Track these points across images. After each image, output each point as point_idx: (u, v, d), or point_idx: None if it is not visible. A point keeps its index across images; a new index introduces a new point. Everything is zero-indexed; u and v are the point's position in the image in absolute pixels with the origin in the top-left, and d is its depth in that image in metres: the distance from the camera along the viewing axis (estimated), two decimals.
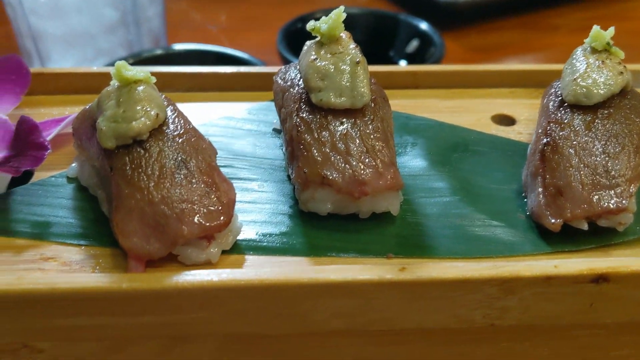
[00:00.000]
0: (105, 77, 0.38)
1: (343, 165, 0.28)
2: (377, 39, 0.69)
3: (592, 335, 0.28)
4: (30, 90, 0.39)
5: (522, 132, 0.37)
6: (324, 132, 0.29)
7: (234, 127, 0.37)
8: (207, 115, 0.38)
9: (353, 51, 0.30)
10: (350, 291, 0.26)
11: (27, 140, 0.30)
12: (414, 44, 0.67)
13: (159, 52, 0.58)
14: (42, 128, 0.35)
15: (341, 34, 0.31)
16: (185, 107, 0.37)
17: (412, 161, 0.34)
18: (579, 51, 0.32)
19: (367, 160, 0.28)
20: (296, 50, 0.60)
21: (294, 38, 0.64)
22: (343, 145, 0.28)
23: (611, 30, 0.32)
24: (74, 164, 0.32)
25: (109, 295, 0.25)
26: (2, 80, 0.36)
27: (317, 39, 0.31)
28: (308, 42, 0.32)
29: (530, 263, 0.26)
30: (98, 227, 0.29)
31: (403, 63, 0.67)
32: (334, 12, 0.30)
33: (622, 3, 0.93)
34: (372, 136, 0.29)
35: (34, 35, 0.59)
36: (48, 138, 0.34)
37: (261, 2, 0.91)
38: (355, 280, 0.25)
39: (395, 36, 0.68)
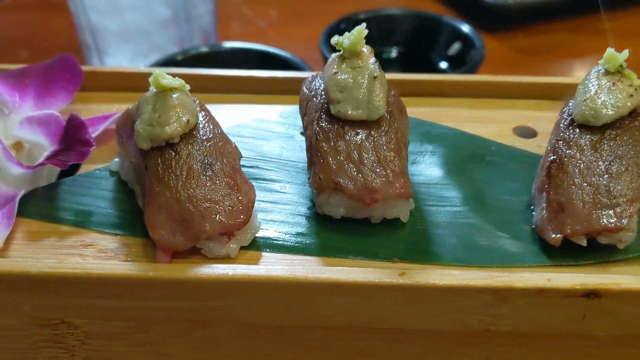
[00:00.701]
0: (149, 76, 0.42)
1: (355, 173, 0.30)
2: (419, 40, 0.70)
3: (585, 346, 0.29)
4: (83, 86, 0.42)
5: (542, 145, 0.38)
6: (340, 142, 0.31)
7: (265, 129, 0.39)
8: (241, 117, 0.41)
9: (372, 66, 0.32)
10: (352, 291, 0.28)
11: (74, 136, 0.33)
12: (455, 47, 0.68)
13: (204, 49, 0.61)
14: (90, 124, 0.38)
15: (363, 49, 0.33)
16: (221, 108, 0.40)
17: (429, 170, 0.36)
18: (593, 72, 0.33)
19: (378, 169, 0.30)
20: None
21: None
22: (357, 155, 0.30)
23: (625, 53, 0.32)
24: (116, 159, 0.36)
25: (137, 282, 0.28)
26: (58, 78, 0.40)
27: (341, 52, 0.33)
28: (333, 55, 0.34)
29: (525, 275, 0.28)
30: (133, 218, 0.32)
31: (444, 65, 0.68)
32: (357, 28, 0.32)
33: None
34: (385, 147, 0.31)
35: (92, 30, 0.63)
36: (95, 134, 0.37)
37: None
38: (356, 282, 0.27)
39: (437, 38, 0.69)
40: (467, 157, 0.37)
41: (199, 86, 0.42)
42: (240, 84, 0.43)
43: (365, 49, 0.33)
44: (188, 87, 0.32)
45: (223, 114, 0.41)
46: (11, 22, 0.88)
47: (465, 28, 0.67)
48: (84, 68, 0.42)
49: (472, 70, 0.61)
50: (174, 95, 0.31)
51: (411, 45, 0.70)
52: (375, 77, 0.31)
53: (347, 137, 0.31)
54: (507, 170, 0.36)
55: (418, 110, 0.41)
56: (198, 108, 0.33)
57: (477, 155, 0.37)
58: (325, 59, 0.61)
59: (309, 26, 0.85)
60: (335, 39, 0.33)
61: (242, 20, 0.89)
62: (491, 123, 0.40)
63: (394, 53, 0.70)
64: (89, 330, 0.30)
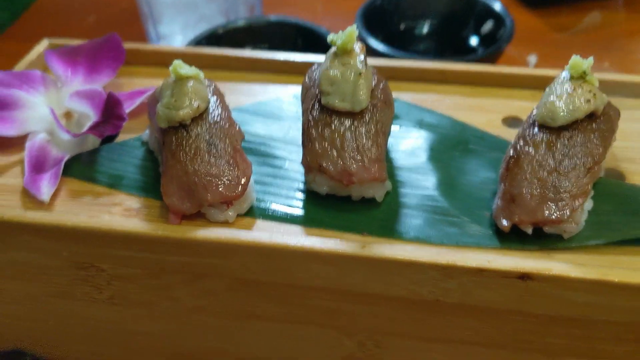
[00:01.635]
0: (183, 55, 0.48)
1: (336, 158, 0.35)
2: (453, 17, 0.72)
3: (526, 322, 0.34)
4: (127, 61, 0.48)
5: None
6: (326, 129, 0.36)
7: (279, 108, 0.44)
8: (260, 95, 0.46)
9: (359, 64, 0.36)
10: (323, 259, 0.33)
11: (111, 111, 0.39)
12: (488, 25, 0.70)
13: (242, 23, 0.66)
14: (129, 97, 0.45)
15: (354, 47, 0.37)
16: (243, 86, 0.45)
17: (413, 155, 0.40)
18: (560, 76, 0.36)
19: (356, 155, 0.35)
20: (374, 27, 0.66)
21: (373, 14, 0.70)
22: (339, 142, 0.35)
23: (590, 60, 0.35)
24: (146, 131, 0.42)
25: (150, 239, 0.34)
26: (103, 56, 0.46)
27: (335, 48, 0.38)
28: (331, 50, 0.38)
29: (469, 255, 0.32)
30: (155, 183, 0.39)
31: (475, 41, 0.70)
32: (348, 29, 0.37)
33: None
34: (364, 136, 0.35)
35: (149, 1, 0.70)
36: (132, 107, 0.43)
37: None
38: (325, 251, 0.33)
39: (470, 15, 0.71)
40: (452, 144, 0.41)
41: (223, 65, 0.48)
42: (261, 65, 0.48)
43: (357, 47, 0.37)
44: (202, 74, 0.38)
45: (243, 92, 0.47)
46: None
47: (497, 6, 0.68)
48: (127, 46, 0.48)
49: (499, 49, 0.63)
50: (189, 84, 0.36)
51: (445, 21, 0.73)
52: (360, 74, 0.36)
53: (333, 126, 0.36)
54: (486, 159, 0.40)
55: (418, 96, 0.45)
56: (212, 93, 0.38)
57: (461, 143, 0.41)
58: (361, 38, 0.65)
59: None
60: (330, 37, 0.37)
61: None
62: (483, 112, 0.44)
63: (427, 28, 0.73)
64: (113, 273, 0.37)
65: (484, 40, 0.70)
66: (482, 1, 0.70)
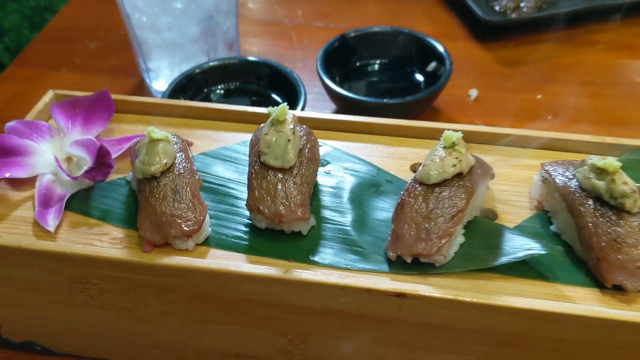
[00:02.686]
0: (162, 105, 0.59)
1: (270, 203, 0.47)
2: (403, 55, 0.83)
3: (406, 327, 0.45)
4: (117, 109, 0.60)
5: None
6: (263, 181, 0.47)
7: (237, 152, 0.56)
8: (223, 141, 0.58)
9: (289, 132, 0.48)
10: (255, 280, 0.45)
11: (101, 160, 0.51)
12: (432, 65, 0.81)
13: (215, 64, 0.77)
14: (118, 143, 0.56)
15: (287, 117, 0.48)
16: (209, 133, 0.56)
17: (335, 196, 0.51)
18: (438, 144, 0.47)
19: (285, 202, 0.46)
20: (334, 63, 0.77)
21: (332, 54, 0.81)
22: (273, 191, 0.47)
23: (459, 134, 0.46)
24: (130, 173, 0.54)
25: (128, 263, 0.46)
26: (96, 109, 0.57)
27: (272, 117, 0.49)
28: (270, 118, 0.49)
29: (362, 278, 0.44)
30: (135, 217, 0.50)
31: (420, 78, 0.82)
32: (280, 106, 0.48)
33: None
34: (292, 187, 0.47)
35: (139, 42, 0.81)
36: (119, 152, 0.55)
37: (335, 1, 1.06)
38: (256, 274, 0.44)
39: (418, 55, 0.83)
40: (367, 186, 0.52)
41: (194, 114, 0.60)
42: (225, 115, 0.59)
43: (289, 117, 0.49)
44: (171, 136, 0.49)
45: (211, 138, 0.58)
46: (81, 13, 1.06)
47: (441, 48, 0.79)
48: (115, 97, 0.60)
49: (439, 86, 0.74)
50: (160, 145, 0.48)
51: (395, 59, 0.84)
52: (289, 140, 0.47)
53: (269, 178, 0.47)
54: (392, 200, 0.51)
55: (349, 144, 0.57)
56: (178, 149, 0.50)
57: (374, 185, 0.52)
58: (321, 77, 0.76)
59: (329, 29, 0.99)
60: (268, 110, 0.49)
61: (272, 17, 1.03)
62: (397, 159, 0.55)
63: (379, 65, 0.84)
64: (102, 287, 0.48)
65: (429, 76, 0.81)
66: (427, 44, 0.80)
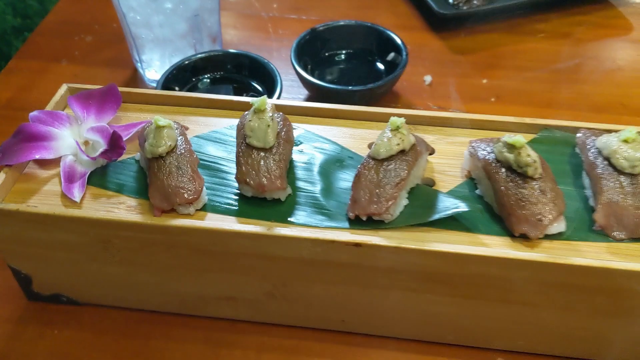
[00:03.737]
0: (161, 96, 0.70)
1: (254, 176, 0.59)
2: (365, 46, 0.95)
3: (364, 270, 0.58)
4: (123, 101, 0.71)
5: None
6: (249, 159, 0.59)
7: (226, 135, 0.68)
8: (213, 125, 0.69)
9: (269, 119, 0.60)
10: (244, 237, 0.57)
11: (115, 143, 0.62)
12: (391, 55, 0.93)
13: (203, 56, 0.88)
14: (126, 128, 0.67)
15: (266, 106, 0.60)
16: (201, 119, 0.68)
17: (308, 170, 0.64)
18: (387, 127, 0.59)
19: (267, 174, 0.59)
20: (306, 54, 0.89)
21: (304, 45, 0.93)
22: (257, 166, 0.59)
23: (402, 119, 0.59)
24: (138, 153, 0.65)
25: (142, 225, 0.58)
26: (106, 100, 0.68)
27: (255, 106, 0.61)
28: (252, 108, 0.61)
29: (328, 233, 0.56)
30: (145, 189, 0.62)
31: (382, 66, 0.94)
32: (261, 97, 0.60)
33: (601, 11, 1.11)
34: (271, 162, 0.59)
35: (133, 37, 0.91)
36: (128, 136, 0.66)
37: None
38: (244, 231, 0.57)
39: (379, 46, 0.95)
40: (333, 161, 0.65)
41: (188, 103, 0.71)
42: (215, 103, 0.71)
43: (268, 107, 0.61)
44: (174, 123, 0.61)
45: (203, 123, 0.70)
46: (77, 10, 1.15)
47: (398, 40, 0.91)
48: (122, 90, 0.71)
49: (395, 76, 0.87)
50: (165, 131, 0.60)
51: (359, 50, 0.96)
52: (268, 125, 0.59)
53: (253, 156, 0.59)
54: (353, 171, 0.63)
55: (318, 127, 0.69)
56: (179, 134, 0.62)
57: (339, 161, 0.65)
58: (294, 67, 0.88)
59: (301, 20, 1.10)
60: (251, 100, 0.61)
61: (251, 10, 1.14)
62: (357, 139, 0.67)
63: (345, 55, 0.96)
64: (121, 245, 0.60)
65: (389, 64, 0.93)
66: (386, 36, 0.93)
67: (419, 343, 0.64)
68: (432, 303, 0.59)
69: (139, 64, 0.95)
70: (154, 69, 0.95)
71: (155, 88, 0.85)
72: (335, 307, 0.62)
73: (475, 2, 1.05)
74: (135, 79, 0.98)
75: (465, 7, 1.04)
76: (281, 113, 0.64)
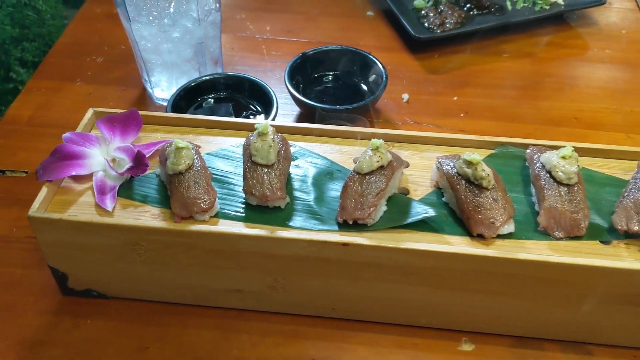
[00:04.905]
0: (175, 119, 0.82)
1: (259, 187, 0.71)
2: (350, 69, 1.08)
3: (350, 266, 0.70)
4: (144, 123, 0.83)
5: None
6: (254, 174, 0.71)
7: (233, 152, 0.79)
8: (222, 144, 0.81)
9: (270, 140, 0.71)
10: (250, 239, 0.69)
11: (139, 160, 0.74)
12: (373, 77, 1.05)
13: (207, 78, 1.00)
14: (147, 147, 0.79)
15: (268, 130, 0.72)
16: (211, 138, 0.80)
17: (302, 182, 0.76)
18: (369, 146, 0.71)
19: (268, 187, 0.71)
20: (298, 75, 1.00)
21: (296, 68, 1.05)
22: (260, 179, 0.71)
23: (381, 141, 0.71)
24: (158, 169, 0.77)
25: (165, 230, 0.69)
26: (129, 123, 0.80)
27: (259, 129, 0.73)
28: (256, 131, 0.73)
29: (321, 235, 0.68)
30: (166, 200, 0.73)
31: (365, 87, 1.06)
32: (264, 123, 0.72)
33: (561, 32, 1.24)
34: (273, 177, 0.71)
35: (144, 61, 1.03)
36: (149, 154, 0.78)
37: (298, 18, 1.29)
38: (250, 234, 0.68)
39: (362, 68, 1.07)
40: (324, 174, 0.76)
41: (199, 124, 0.83)
42: (223, 124, 0.83)
43: (270, 130, 0.73)
44: (191, 145, 0.73)
45: (213, 142, 0.81)
46: (86, 31, 1.26)
47: (379, 64, 1.04)
48: (142, 113, 0.83)
49: (377, 96, 0.99)
50: (183, 151, 0.71)
51: (345, 71, 1.08)
52: (270, 146, 0.71)
53: (258, 171, 0.71)
54: (341, 183, 0.75)
55: (310, 144, 0.81)
56: (195, 153, 0.73)
57: (329, 173, 0.77)
58: (288, 89, 1.00)
59: (293, 42, 1.22)
60: (255, 125, 0.72)
61: (247, 33, 1.25)
62: (344, 155, 0.79)
63: (332, 77, 1.08)
64: (147, 247, 0.72)
65: (372, 85, 1.05)
66: (369, 61, 1.05)
67: (397, 326, 0.76)
68: (407, 292, 0.72)
69: (148, 84, 1.07)
70: (161, 88, 1.06)
71: (166, 107, 0.96)
72: (326, 296, 0.74)
73: (447, 26, 1.18)
74: (145, 97, 1.10)
75: (438, 31, 1.17)
76: (280, 134, 0.76)
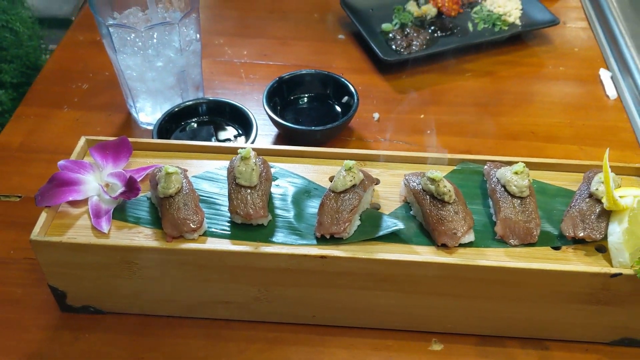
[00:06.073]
0: (162, 145, 0.89)
1: (243, 207, 0.77)
2: (324, 91, 1.15)
3: (327, 275, 0.77)
4: (133, 149, 0.89)
5: None
6: (238, 194, 0.78)
7: (218, 175, 0.86)
8: (207, 167, 0.88)
9: (253, 164, 0.78)
10: (235, 254, 0.76)
11: (131, 185, 0.80)
12: (346, 98, 1.13)
13: (190, 103, 1.07)
14: (138, 171, 0.85)
15: (250, 155, 0.79)
16: (196, 162, 0.86)
17: (282, 200, 0.83)
18: (342, 167, 0.79)
19: (252, 206, 0.77)
20: (276, 97, 1.08)
21: (274, 91, 1.12)
22: (244, 199, 0.78)
23: (354, 162, 0.78)
24: (149, 192, 0.83)
25: (156, 249, 0.76)
26: (120, 150, 0.86)
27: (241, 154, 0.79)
28: (239, 155, 0.80)
29: (301, 248, 0.75)
30: (157, 221, 0.80)
31: (338, 108, 1.13)
32: (246, 149, 0.79)
33: (519, 51, 1.33)
34: (256, 197, 0.78)
35: (129, 88, 1.09)
36: (140, 178, 0.84)
37: (273, 42, 1.36)
38: (236, 251, 0.75)
39: (335, 90, 1.15)
40: (302, 193, 0.83)
41: (185, 149, 0.90)
42: (207, 149, 0.89)
43: (252, 154, 0.79)
44: (179, 170, 0.79)
45: (198, 165, 0.88)
46: (70, 58, 1.31)
47: (351, 87, 1.11)
48: (132, 140, 0.89)
49: (349, 116, 1.06)
50: (173, 176, 0.78)
51: (319, 94, 1.16)
52: (253, 170, 0.78)
53: (242, 192, 0.78)
54: (318, 200, 0.82)
55: (289, 165, 0.88)
56: (183, 177, 0.80)
57: (307, 192, 0.84)
58: (267, 112, 1.07)
59: (270, 67, 1.29)
60: (239, 150, 0.79)
61: (225, 57, 1.32)
62: (320, 174, 0.86)
63: (307, 99, 1.15)
64: (141, 264, 0.78)
65: (344, 106, 1.13)
66: (341, 83, 1.12)
67: (372, 330, 0.83)
68: (381, 297, 0.79)
69: (133, 109, 1.13)
70: (145, 113, 1.13)
71: (152, 132, 1.03)
72: (307, 305, 0.80)
73: (414, 48, 1.26)
74: (130, 121, 1.16)
75: (405, 53, 1.25)
76: (261, 157, 0.83)
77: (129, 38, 1.01)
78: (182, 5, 1.02)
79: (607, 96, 1.20)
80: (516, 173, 0.77)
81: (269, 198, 0.82)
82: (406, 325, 0.82)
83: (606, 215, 0.75)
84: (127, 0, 1.03)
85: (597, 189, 0.76)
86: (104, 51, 1.07)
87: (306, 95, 1.15)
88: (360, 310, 0.81)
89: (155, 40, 1.01)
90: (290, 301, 0.80)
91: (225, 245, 0.75)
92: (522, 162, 0.79)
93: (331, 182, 0.79)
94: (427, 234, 0.77)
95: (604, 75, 1.24)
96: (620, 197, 0.73)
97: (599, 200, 0.75)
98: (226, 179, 0.82)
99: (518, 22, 1.33)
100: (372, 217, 0.79)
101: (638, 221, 0.72)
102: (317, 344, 0.82)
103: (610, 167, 0.80)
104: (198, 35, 1.06)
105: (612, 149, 1.06)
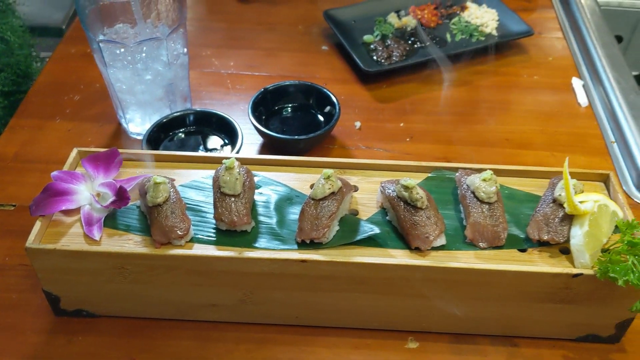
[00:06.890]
0: (153, 155, 0.93)
1: (228, 214, 0.82)
2: (307, 101, 1.20)
3: (309, 279, 0.81)
4: (123, 159, 0.93)
5: None
6: (223, 202, 0.82)
7: (204, 184, 0.91)
8: (194, 176, 0.92)
9: (237, 174, 0.83)
10: (221, 259, 0.80)
11: (121, 194, 0.84)
12: (328, 108, 1.18)
13: (178, 114, 1.11)
14: (128, 181, 0.89)
15: (234, 164, 0.84)
16: (184, 171, 0.91)
17: (265, 207, 0.87)
18: (321, 175, 0.83)
19: (236, 214, 0.82)
20: (261, 107, 1.12)
21: (259, 101, 1.16)
22: (229, 207, 0.82)
23: (332, 171, 0.83)
24: (138, 201, 0.88)
25: (146, 255, 0.80)
26: (110, 161, 0.90)
27: (225, 164, 0.84)
28: (224, 165, 0.84)
29: (282, 253, 0.80)
30: (146, 228, 0.84)
31: (321, 118, 1.18)
32: (231, 159, 0.83)
33: (495, 61, 1.38)
34: (240, 205, 0.82)
35: (119, 100, 1.13)
36: (130, 187, 0.89)
37: (260, 53, 1.41)
38: (222, 256, 0.79)
39: (318, 100, 1.19)
40: (284, 200, 0.88)
41: (172, 159, 0.94)
42: (194, 159, 0.94)
43: (236, 164, 0.84)
44: (167, 179, 0.84)
45: (185, 175, 0.93)
46: (62, 71, 1.35)
47: (333, 98, 1.16)
48: (122, 151, 0.93)
49: (331, 127, 1.11)
50: (161, 186, 0.82)
51: (303, 104, 1.20)
52: (237, 179, 0.83)
53: (226, 201, 0.82)
54: (299, 207, 0.87)
55: (272, 174, 0.92)
56: (170, 187, 0.84)
57: (289, 199, 0.88)
58: (252, 122, 1.12)
59: (255, 77, 1.34)
60: (223, 160, 0.84)
61: (212, 68, 1.37)
62: (301, 182, 0.91)
63: (291, 109, 1.20)
64: (132, 270, 0.82)
65: (327, 115, 1.18)
66: (324, 94, 1.17)
67: (352, 329, 0.88)
68: (359, 299, 0.83)
69: (123, 120, 1.17)
70: (135, 123, 1.17)
71: (141, 142, 1.07)
72: (290, 307, 0.84)
73: (394, 58, 1.31)
74: (120, 131, 1.20)
75: (386, 64, 1.30)
76: (245, 167, 0.87)
77: (118, 52, 1.05)
78: (170, 21, 1.06)
79: (579, 104, 1.25)
80: (484, 180, 0.82)
81: (253, 205, 0.86)
82: (384, 325, 0.87)
83: (569, 219, 0.80)
84: (116, 16, 1.07)
85: (560, 195, 0.81)
86: (94, 63, 1.11)
87: (290, 105, 1.19)
88: (341, 312, 0.85)
89: (144, 55, 1.06)
90: (274, 303, 0.85)
91: (211, 251, 0.80)
92: (490, 169, 0.84)
93: (311, 189, 0.84)
94: (402, 238, 0.82)
95: (576, 83, 1.29)
96: (580, 202, 0.78)
97: (561, 205, 0.80)
98: (212, 187, 0.86)
99: (495, 32, 1.38)
100: (350, 222, 0.84)
101: (598, 225, 0.78)
102: (302, 343, 0.86)
103: (575, 173, 0.85)
104: (185, 49, 1.10)
105: (582, 155, 1.12)
